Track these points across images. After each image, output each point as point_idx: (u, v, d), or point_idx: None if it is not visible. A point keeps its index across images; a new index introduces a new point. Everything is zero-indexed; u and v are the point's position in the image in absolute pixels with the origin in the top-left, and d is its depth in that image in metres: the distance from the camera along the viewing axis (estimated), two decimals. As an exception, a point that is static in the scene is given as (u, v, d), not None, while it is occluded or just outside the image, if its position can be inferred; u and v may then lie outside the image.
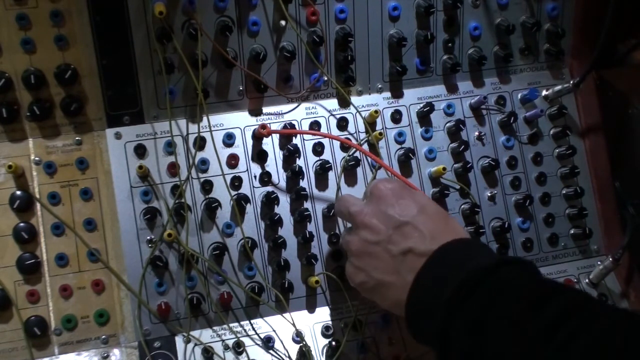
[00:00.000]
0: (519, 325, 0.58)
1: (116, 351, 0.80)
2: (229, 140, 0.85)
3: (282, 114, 0.87)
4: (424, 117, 0.90)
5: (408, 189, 0.76)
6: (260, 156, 0.85)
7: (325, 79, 0.88)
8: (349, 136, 0.88)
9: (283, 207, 0.85)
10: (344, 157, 0.87)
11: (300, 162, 0.86)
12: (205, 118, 0.82)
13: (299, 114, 0.88)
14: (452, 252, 0.67)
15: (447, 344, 0.62)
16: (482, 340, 0.59)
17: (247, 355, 0.81)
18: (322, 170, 0.85)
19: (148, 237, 0.81)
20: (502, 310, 0.59)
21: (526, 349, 0.56)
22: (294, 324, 0.83)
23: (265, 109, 0.87)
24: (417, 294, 0.67)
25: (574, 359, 0.53)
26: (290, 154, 0.85)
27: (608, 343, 0.53)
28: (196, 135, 0.83)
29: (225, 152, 0.84)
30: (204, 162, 0.83)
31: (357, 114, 0.88)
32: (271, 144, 0.86)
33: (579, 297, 0.61)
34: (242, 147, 0.85)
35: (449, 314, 0.62)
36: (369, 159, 0.87)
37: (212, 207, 0.82)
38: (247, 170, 0.85)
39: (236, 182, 0.84)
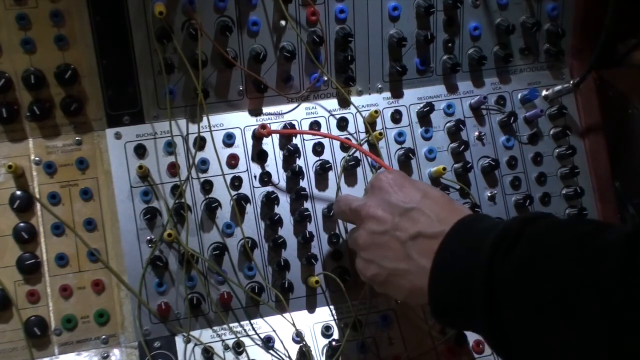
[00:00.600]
0: (578, 250, 0.54)
1: (116, 351, 0.80)
2: (229, 140, 0.85)
3: (282, 114, 0.87)
4: (424, 117, 0.90)
5: (409, 178, 0.75)
6: (260, 156, 0.85)
7: (325, 79, 0.88)
8: (349, 136, 0.88)
9: (283, 207, 0.85)
10: (344, 157, 0.87)
11: (300, 162, 0.86)
12: (205, 118, 0.82)
13: (299, 114, 0.88)
14: (469, 226, 0.66)
15: (493, 301, 0.59)
16: (537, 280, 0.56)
17: (247, 355, 0.81)
18: (322, 170, 0.85)
19: (148, 237, 0.81)
20: (553, 247, 0.56)
21: (599, 266, 0.52)
22: (294, 324, 0.83)
23: (265, 109, 0.87)
24: (442, 272, 0.65)
25: None
26: (290, 154, 0.85)
27: None
28: (196, 135, 0.83)
29: (225, 152, 0.84)
30: (204, 162, 0.83)
31: (357, 114, 0.88)
32: (271, 144, 0.86)
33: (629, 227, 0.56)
34: (242, 147, 0.85)
35: (492, 269, 0.59)
36: (369, 159, 0.87)
37: (212, 207, 0.82)
38: (247, 170, 0.85)
39: (236, 182, 0.84)
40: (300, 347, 0.82)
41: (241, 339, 0.82)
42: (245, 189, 0.84)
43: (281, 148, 0.86)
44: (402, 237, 0.69)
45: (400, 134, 0.89)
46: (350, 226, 0.85)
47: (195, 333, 0.81)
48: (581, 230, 0.57)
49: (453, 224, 0.66)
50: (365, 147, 0.88)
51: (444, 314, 0.67)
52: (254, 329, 0.83)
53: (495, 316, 0.59)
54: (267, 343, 0.82)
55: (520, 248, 0.58)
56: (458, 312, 0.64)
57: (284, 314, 0.83)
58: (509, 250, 0.59)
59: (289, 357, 0.82)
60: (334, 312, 0.85)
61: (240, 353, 0.81)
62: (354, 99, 0.89)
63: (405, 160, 0.88)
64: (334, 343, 0.82)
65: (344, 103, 0.89)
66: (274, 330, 0.83)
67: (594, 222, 0.60)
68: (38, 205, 0.80)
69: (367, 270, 0.74)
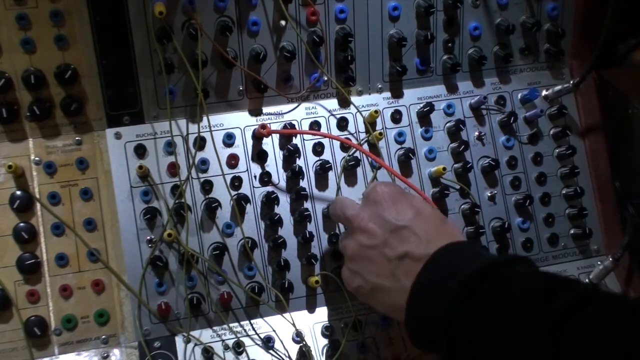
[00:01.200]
0: (525, 319, 0.56)
1: (116, 351, 0.80)
2: (229, 140, 0.85)
3: (282, 114, 0.87)
4: (424, 117, 0.90)
5: (405, 193, 0.75)
6: (260, 156, 0.85)
7: (325, 78, 0.88)
8: (349, 136, 0.88)
9: (283, 207, 0.85)
10: (344, 157, 0.87)
11: (300, 162, 0.86)
12: (205, 118, 0.82)
13: (299, 114, 0.88)
14: (449, 256, 0.67)
15: (454, 348, 0.62)
16: (486, 340, 0.58)
17: (247, 355, 0.81)
18: (322, 170, 0.85)
19: (148, 237, 0.81)
20: (504, 307, 0.59)
21: (534, 342, 0.55)
22: (294, 324, 0.83)
23: (265, 109, 0.87)
24: (417, 301, 0.67)
25: (582, 348, 0.52)
26: (290, 154, 0.85)
27: (619, 331, 0.52)
28: (196, 135, 0.83)
29: (225, 152, 0.84)
30: (204, 162, 0.83)
31: (357, 113, 0.88)
32: (271, 144, 0.86)
33: (589, 288, 0.59)
34: (242, 147, 0.85)
35: (451, 319, 0.61)
36: (369, 159, 0.87)
37: (212, 207, 0.82)
38: (247, 170, 0.85)
39: (236, 182, 0.84)
40: (300, 347, 0.82)
41: (241, 339, 0.82)
42: (245, 189, 0.84)
43: (281, 148, 0.86)
44: (390, 254, 0.70)
45: (400, 134, 0.89)
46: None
47: (195, 333, 0.81)
48: (530, 296, 0.58)
49: (435, 251, 0.67)
50: (365, 147, 0.88)
51: (418, 338, 0.68)
52: (254, 329, 0.83)
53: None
54: (267, 343, 0.82)
55: (472, 307, 0.61)
56: (430, 342, 0.66)
57: (284, 314, 0.83)
58: (465, 302, 0.61)
59: (289, 357, 0.82)
60: (334, 312, 0.85)
61: (240, 353, 0.81)
62: (354, 99, 0.89)
63: (405, 160, 0.88)
64: (334, 343, 0.82)
65: (344, 103, 0.89)
66: (274, 330, 0.83)
67: (553, 282, 0.61)
68: (38, 205, 0.80)
69: (352, 281, 0.75)
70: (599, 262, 0.92)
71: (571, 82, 0.93)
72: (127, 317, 0.80)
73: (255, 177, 0.85)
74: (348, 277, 0.76)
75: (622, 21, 0.91)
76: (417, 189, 0.85)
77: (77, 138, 0.82)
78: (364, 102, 0.89)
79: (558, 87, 0.94)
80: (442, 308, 0.62)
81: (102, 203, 0.81)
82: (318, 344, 0.83)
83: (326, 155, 0.87)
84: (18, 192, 0.79)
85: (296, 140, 0.86)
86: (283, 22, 0.84)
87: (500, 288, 0.61)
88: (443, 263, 0.67)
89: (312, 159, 0.87)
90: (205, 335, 0.82)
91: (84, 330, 0.79)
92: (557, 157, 0.94)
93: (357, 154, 0.87)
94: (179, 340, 0.81)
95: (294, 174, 0.84)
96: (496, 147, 0.92)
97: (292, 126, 0.86)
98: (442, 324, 0.62)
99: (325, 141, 0.87)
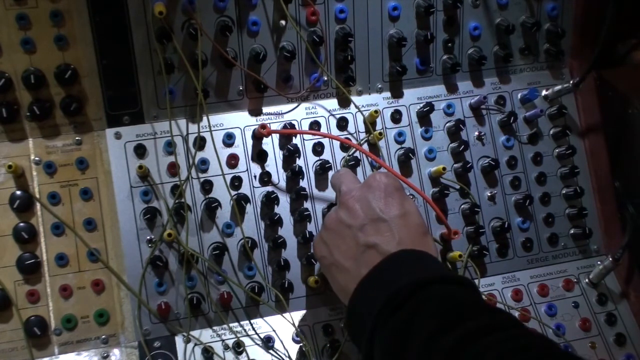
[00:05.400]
0: (428, 345, 0.57)
1: (116, 351, 0.80)
2: (229, 140, 0.85)
3: (282, 114, 0.87)
4: (424, 117, 0.90)
5: (401, 191, 0.75)
6: (260, 156, 0.85)
7: (325, 78, 0.88)
8: (349, 136, 0.88)
9: (283, 207, 0.85)
10: (344, 157, 0.87)
11: (300, 162, 0.86)
12: (205, 118, 0.82)
13: (299, 114, 0.88)
14: (400, 262, 0.68)
15: (372, 355, 0.64)
16: (399, 357, 0.60)
17: (247, 355, 0.81)
18: (322, 170, 0.85)
19: (148, 237, 0.81)
20: (418, 328, 0.59)
21: None
22: (294, 324, 0.83)
23: (265, 109, 0.87)
24: (359, 296, 0.68)
25: None
26: (290, 154, 0.85)
27: None
28: (196, 135, 0.83)
29: (225, 152, 0.85)
30: (204, 162, 0.84)
31: (357, 113, 0.88)
32: (271, 144, 0.86)
33: (493, 323, 0.59)
34: (242, 147, 0.85)
35: (374, 328, 0.63)
36: (369, 159, 0.87)
37: (212, 207, 0.82)
38: (247, 170, 0.85)
39: (236, 182, 0.84)
40: (300, 347, 0.82)
41: (241, 338, 0.82)
42: (245, 189, 0.84)
43: (281, 148, 0.86)
44: (361, 240, 0.71)
45: (400, 134, 0.89)
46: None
47: (195, 333, 0.81)
48: (439, 321, 0.59)
49: (395, 252, 0.68)
50: (365, 147, 0.88)
51: (352, 331, 0.70)
52: (254, 328, 0.83)
53: None
54: (267, 343, 0.82)
55: (392, 323, 0.62)
56: (355, 336, 0.69)
57: (284, 314, 0.83)
58: (388, 317, 0.62)
59: (289, 357, 0.82)
60: (333, 312, 0.85)
61: (240, 353, 0.81)
62: (354, 98, 0.89)
63: (405, 160, 0.88)
64: (334, 343, 0.82)
65: (344, 103, 0.89)
66: (274, 330, 0.83)
67: (468, 308, 0.61)
68: (38, 205, 0.80)
69: (320, 249, 0.77)
70: (598, 262, 0.92)
71: (571, 82, 0.93)
72: (127, 317, 0.80)
73: (255, 177, 0.85)
74: (317, 244, 0.78)
75: (622, 21, 0.91)
76: (417, 189, 0.85)
77: (77, 138, 0.82)
78: (364, 102, 0.89)
79: (558, 87, 0.94)
80: (371, 314, 0.64)
81: (102, 203, 0.81)
82: (318, 344, 0.83)
83: (326, 155, 0.87)
84: (18, 192, 0.79)
85: (296, 140, 0.86)
86: (283, 22, 0.84)
87: (419, 308, 0.61)
88: (393, 267, 0.68)
89: (312, 159, 0.87)
90: (205, 335, 0.82)
91: (84, 330, 0.79)
92: (557, 157, 0.94)
93: (357, 154, 0.87)
94: (179, 340, 0.81)
95: (294, 174, 0.84)
96: (496, 147, 0.92)
97: (292, 126, 0.86)
98: (367, 330, 0.64)
99: (325, 141, 0.87)
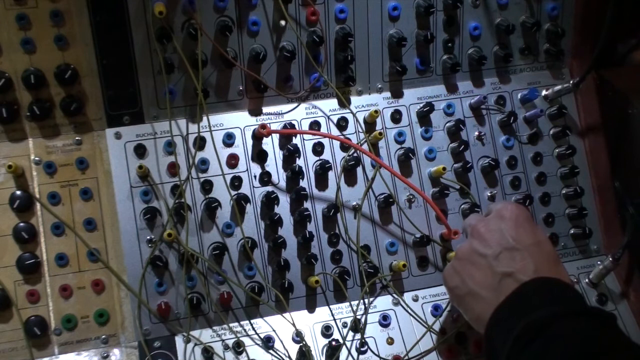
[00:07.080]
0: None
1: (116, 351, 0.80)
2: (229, 140, 0.85)
3: (282, 114, 0.87)
4: (424, 117, 0.90)
5: (531, 222, 0.77)
6: (260, 156, 0.85)
7: (326, 77, 0.88)
8: (349, 136, 0.88)
9: (283, 207, 0.85)
10: (344, 157, 0.87)
11: (300, 162, 0.86)
12: (205, 118, 0.82)
13: (299, 114, 0.88)
14: (537, 289, 0.68)
15: None
16: None
17: (247, 355, 0.81)
18: (322, 170, 0.85)
19: (148, 237, 0.81)
20: None
21: None
22: (294, 324, 0.83)
23: (265, 109, 0.87)
24: (495, 323, 0.68)
25: None
26: (290, 154, 0.85)
27: None
28: (196, 135, 0.83)
29: (225, 152, 0.85)
30: (204, 162, 0.84)
31: (357, 113, 0.88)
32: (271, 144, 0.86)
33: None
34: (242, 147, 0.85)
35: (510, 355, 0.63)
36: (369, 159, 0.87)
37: (212, 207, 0.82)
38: (247, 170, 0.85)
39: (236, 182, 0.84)
40: (300, 347, 0.82)
41: (241, 338, 0.82)
42: (245, 189, 0.84)
43: (281, 148, 0.86)
44: (497, 269, 0.72)
45: (400, 134, 0.89)
46: (351, 228, 0.85)
47: (195, 333, 0.81)
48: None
49: (533, 278, 0.69)
50: (365, 147, 0.88)
51: (487, 353, 0.70)
52: (254, 328, 0.83)
53: None
54: (267, 343, 0.82)
55: (529, 353, 0.62)
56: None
57: (283, 314, 0.83)
58: (525, 346, 0.62)
59: (289, 357, 0.82)
60: (333, 312, 0.85)
61: (240, 353, 0.81)
62: (353, 98, 0.89)
63: (405, 160, 0.88)
64: (334, 343, 0.82)
65: (344, 103, 0.89)
66: (274, 330, 0.83)
67: (604, 343, 0.61)
68: (38, 205, 0.80)
69: (451, 279, 0.77)
70: (598, 262, 0.92)
71: (571, 82, 0.93)
72: (127, 317, 0.80)
73: (255, 177, 0.85)
74: (449, 274, 0.78)
75: (622, 21, 0.91)
76: (417, 189, 0.85)
77: (77, 138, 0.82)
78: (363, 102, 0.89)
79: (558, 87, 0.94)
80: (507, 343, 0.64)
81: (102, 203, 0.81)
82: (318, 344, 0.83)
83: (326, 155, 0.87)
84: (18, 192, 0.79)
85: (296, 140, 0.86)
86: (283, 22, 0.84)
87: (556, 341, 0.61)
88: (530, 295, 0.68)
89: (312, 158, 0.87)
90: (205, 335, 0.82)
91: (84, 330, 0.79)
92: (557, 157, 0.94)
93: (357, 153, 0.87)
94: (179, 340, 0.81)
95: (294, 174, 0.84)
96: (496, 147, 0.92)
97: (292, 126, 0.86)
98: (503, 355, 0.64)
99: (325, 141, 0.87)
